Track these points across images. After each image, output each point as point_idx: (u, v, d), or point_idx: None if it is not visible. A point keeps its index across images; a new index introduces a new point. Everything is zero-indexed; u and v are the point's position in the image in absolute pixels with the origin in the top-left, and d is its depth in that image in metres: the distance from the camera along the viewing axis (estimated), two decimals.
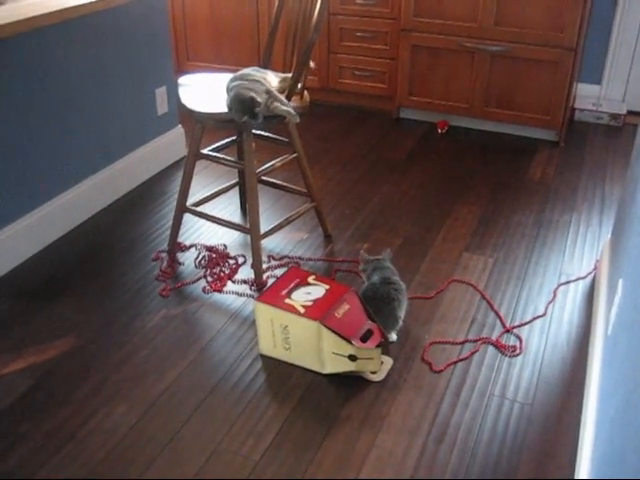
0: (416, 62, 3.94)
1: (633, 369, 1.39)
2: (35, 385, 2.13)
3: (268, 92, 2.38)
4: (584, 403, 2.03)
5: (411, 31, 3.85)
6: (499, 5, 3.61)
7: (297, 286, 2.24)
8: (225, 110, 2.41)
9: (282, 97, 2.42)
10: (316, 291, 2.21)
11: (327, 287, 2.24)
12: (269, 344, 2.22)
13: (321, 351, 2.11)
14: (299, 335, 2.13)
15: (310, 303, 2.15)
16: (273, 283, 2.28)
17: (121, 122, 3.19)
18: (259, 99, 2.32)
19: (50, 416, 2.02)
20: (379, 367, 2.16)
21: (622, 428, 1.36)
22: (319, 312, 2.10)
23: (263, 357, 2.24)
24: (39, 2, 2.33)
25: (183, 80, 2.71)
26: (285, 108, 2.37)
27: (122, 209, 3.14)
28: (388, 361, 2.21)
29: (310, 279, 2.28)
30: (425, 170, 3.52)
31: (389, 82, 4.10)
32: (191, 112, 2.47)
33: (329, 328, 2.06)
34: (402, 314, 2.31)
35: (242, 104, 2.31)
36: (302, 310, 2.11)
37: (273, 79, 2.55)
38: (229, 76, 2.56)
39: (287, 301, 2.16)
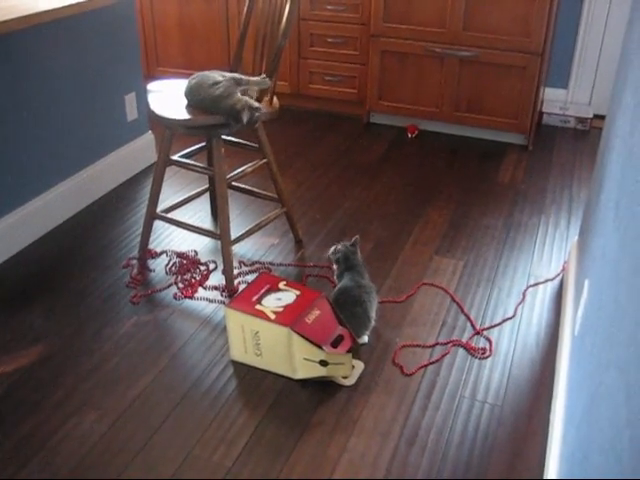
0: (386, 67, 3.97)
1: (597, 367, 1.41)
2: (4, 394, 2.10)
3: (234, 80, 2.40)
4: (552, 403, 2.06)
5: (380, 36, 3.88)
6: (467, 11, 3.65)
7: (268, 292, 2.24)
8: (192, 116, 2.41)
9: (247, 78, 2.45)
10: (287, 297, 2.22)
11: (298, 293, 2.24)
12: (240, 350, 2.22)
13: (292, 357, 2.12)
14: (270, 341, 2.13)
15: (281, 309, 2.15)
16: (244, 289, 2.28)
17: (90, 128, 3.16)
18: (239, 104, 2.34)
19: (20, 425, 1.99)
20: (350, 372, 2.17)
21: (588, 427, 1.38)
22: (289, 318, 2.11)
23: (234, 363, 2.24)
24: (8, 6, 2.31)
25: (152, 86, 2.70)
26: (256, 79, 2.44)
27: (92, 216, 3.11)
28: (359, 365, 2.22)
29: (281, 285, 2.28)
30: (396, 174, 3.55)
31: (359, 87, 4.13)
32: (160, 118, 2.46)
33: (299, 334, 2.06)
34: (373, 314, 2.32)
35: (231, 115, 2.34)
36: (272, 316, 2.12)
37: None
38: None
39: (258, 307, 2.16)
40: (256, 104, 2.38)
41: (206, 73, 2.50)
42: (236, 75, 2.45)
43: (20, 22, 2.22)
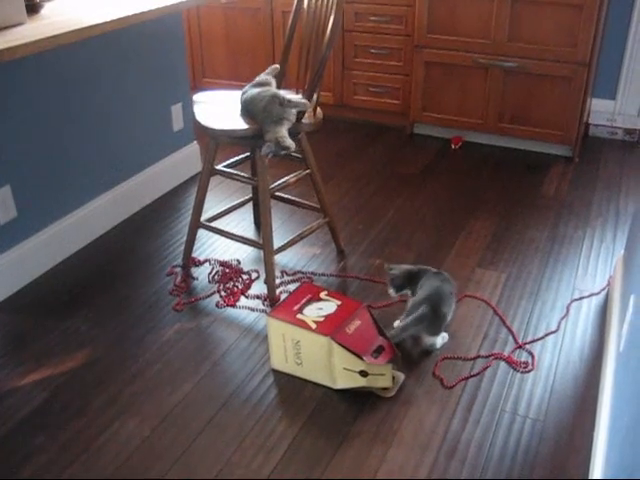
0: (430, 78, 3.96)
1: None
2: (50, 397, 2.15)
3: (278, 98, 2.42)
4: (596, 420, 2.02)
5: (424, 47, 3.88)
6: (512, 21, 3.63)
7: (309, 302, 2.25)
8: (239, 127, 2.44)
9: (289, 96, 2.45)
10: (328, 307, 2.22)
11: (339, 303, 2.25)
12: (281, 359, 2.23)
13: (332, 366, 2.12)
14: (310, 350, 2.14)
15: (322, 319, 2.16)
16: (285, 298, 2.29)
17: (137, 138, 3.23)
18: (267, 136, 2.37)
19: (64, 428, 2.04)
20: (390, 383, 2.16)
21: (632, 447, 1.35)
22: (330, 328, 2.12)
23: (275, 372, 2.26)
24: (58, 21, 2.38)
25: (198, 97, 2.75)
26: (295, 101, 2.44)
27: (138, 224, 3.17)
28: (399, 376, 2.21)
29: (322, 294, 2.29)
30: (439, 185, 3.53)
31: (403, 98, 4.13)
32: (205, 129, 2.50)
33: (340, 344, 2.07)
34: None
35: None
36: (313, 325, 2.13)
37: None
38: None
39: (299, 316, 2.18)
40: (287, 143, 2.37)
41: (259, 87, 2.54)
42: (279, 93, 2.46)
43: (70, 36, 2.27)
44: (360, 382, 2.10)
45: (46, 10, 2.57)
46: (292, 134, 2.50)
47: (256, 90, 2.52)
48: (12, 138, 2.55)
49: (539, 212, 3.27)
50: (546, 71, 3.67)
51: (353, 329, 2.13)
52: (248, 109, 2.50)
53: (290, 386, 2.20)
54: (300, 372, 2.21)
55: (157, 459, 1.94)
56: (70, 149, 2.84)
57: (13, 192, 2.60)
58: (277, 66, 2.75)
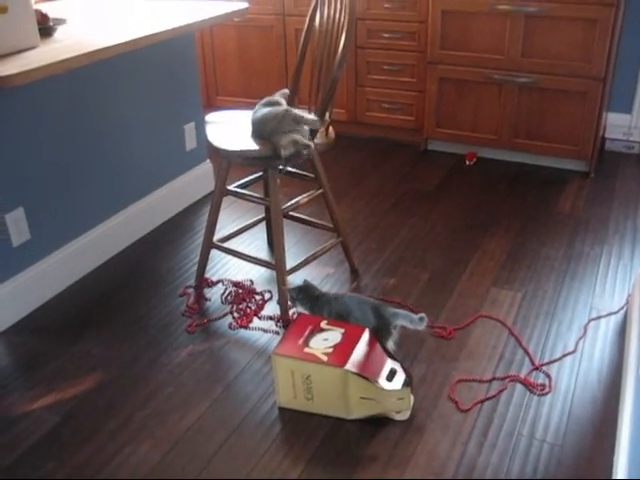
0: (443, 94, 3.94)
1: None
2: (62, 421, 2.14)
3: (291, 116, 2.42)
4: (616, 444, 1.97)
5: (438, 64, 3.86)
6: (526, 37, 3.61)
7: (312, 333, 2.19)
8: (251, 147, 2.44)
9: (300, 115, 2.45)
10: (333, 336, 2.17)
11: (342, 330, 2.19)
12: (289, 396, 2.16)
13: (347, 398, 2.07)
14: (323, 384, 2.08)
15: (330, 349, 2.10)
16: (285, 333, 2.22)
17: (150, 158, 3.23)
18: (283, 140, 2.37)
19: (76, 453, 2.02)
20: (409, 407, 2.12)
21: None
22: (342, 358, 2.06)
23: (282, 409, 2.19)
24: (70, 44, 2.39)
25: (210, 117, 2.75)
26: (307, 119, 2.44)
27: (151, 244, 3.17)
28: (411, 398, 2.18)
29: (323, 324, 2.24)
30: (453, 202, 3.51)
31: (417, 114, 4.11)
32: (217, 149, 2.50)
33: (357, 374, 2.03)
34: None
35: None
36: (324, 358, 2.07)
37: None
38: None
39: (307, 350, 2.11)
40: (305, 141, 2.38)
41: (270, 106, 2.54)
42: (292, 110, 2.46)
43: (81, 60, 2.28)
44: (377, 409, 2.06)
45: (59, 33, 2.58)
46: (290, 158, 2.48)
47: (267, 109, 2.51)
48: (25, 159, 2.56)
49: (555, 229, 3.23)
50: (561, 86, 3.64)
51: (364, 356, 2.09)
52: (260, 127, 2.49)
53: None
54: (311, 407, 2.14)
55: None
56: (83, 170, 2.85)
57: (26, 214, 2.61)
58: (287, 91, 2.75)
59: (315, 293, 2.43)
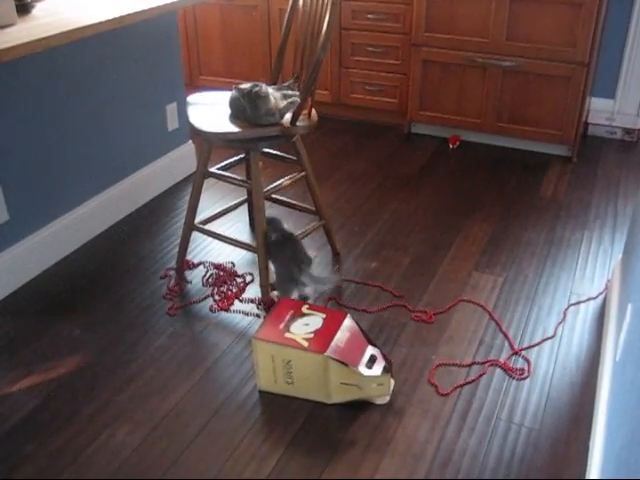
0: (427, 77, 3.93)
1: (638, 404, 1.36)
2: (41, 404, 2.13)
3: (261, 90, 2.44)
4: (592, 429, 2.00)
5: (422, 46, 3.84)
6: (510, 20, 3.59)
7: (293, 318, 2.19)
8: (232, 130, 2.41)
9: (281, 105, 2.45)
10: (314, 321, 2.17)
11: (324, 316, 2.20)
12: (269, 380, 2.16)
13: (328, 383, 2.07)
14: (303, 369, 2.09)
15: (311, 335, 2.11)
16: (266, 317, 2.22)
17: (132, 138, 3.20)
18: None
19: (55, 435, 2.02)
20: (389, 392, 2.13)
21: (627, 465, 1.33)
22: (323, 344, 2.06)
23: (262, 393, 2.19)
24: (49, 22, 2.34)
25: (192, 99, 2.72)
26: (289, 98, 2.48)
27: (132, 226, 3.14)
28: (391, 382, 2.18)
29: (304, 309, 2.23)
30: (436, 186, 3.51)
31: (400, 97, 4.09)
32: (198, 131, 2.47)
33: (337, 360, 2.03)
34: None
35: None
36: (305, 344, 2.07)
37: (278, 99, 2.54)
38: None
39: (287, 335, 2.11)
40: (292, 99, 2.44)
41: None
42: (263, 86, 2.46)
43: (61, 38, 2.23)
44: (357, 394, 2.07)
45: (37, 10, 2.53)
46: (287, 137, 2.47)
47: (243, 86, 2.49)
48: (3, 139, 2.52)
49: (537, 214, 3.24)
50: (544, 70, 3.64)
51: (345, 342, 2.09)
52: (236, 104, 2.47)
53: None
54: (291, 391, 2.15)
55: (148, 468, 1.91)
56: (63, 150, 2.81)
57: (4, 194, 2.57)
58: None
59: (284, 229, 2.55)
